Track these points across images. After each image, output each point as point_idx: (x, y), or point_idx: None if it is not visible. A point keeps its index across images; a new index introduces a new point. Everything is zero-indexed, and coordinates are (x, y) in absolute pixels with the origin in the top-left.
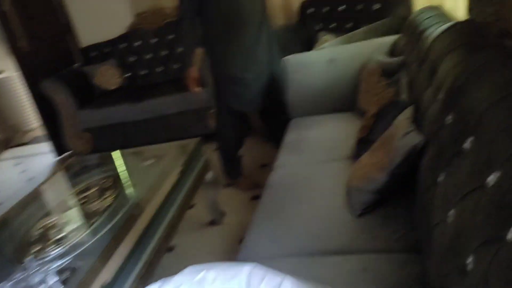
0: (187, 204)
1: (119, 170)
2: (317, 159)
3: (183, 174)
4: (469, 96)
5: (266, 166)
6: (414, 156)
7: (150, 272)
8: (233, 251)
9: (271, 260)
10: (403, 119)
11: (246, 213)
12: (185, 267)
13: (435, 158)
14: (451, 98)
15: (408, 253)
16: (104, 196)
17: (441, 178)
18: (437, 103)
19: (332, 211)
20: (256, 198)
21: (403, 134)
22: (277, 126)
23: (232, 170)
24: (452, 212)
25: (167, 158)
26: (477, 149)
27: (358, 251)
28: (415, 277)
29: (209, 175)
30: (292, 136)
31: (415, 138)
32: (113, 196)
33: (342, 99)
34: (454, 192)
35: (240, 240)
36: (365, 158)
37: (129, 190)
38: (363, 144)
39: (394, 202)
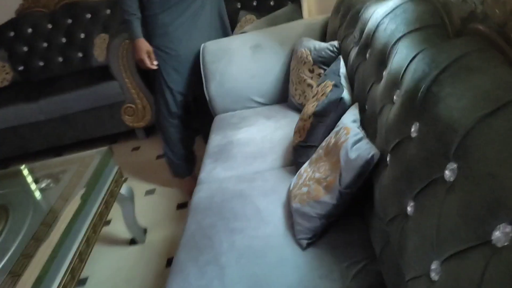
0: (97, 228)
1: (4, 197)
2: (249, 170)
3: (90, 195)
4: (443, 104)
5: None
6: (367, 173)
7: None
8: (158, 275)
9: None
10: (349, 122)
11: (172, 225)
12: None
13: (401, 182)
14: (416, 103)
15: None
16: None
17: (409, 209)
18: (393, 106)
19: (271, 243)
20: (183, 206)
21: (351, 143)
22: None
23: (180, 169)
24: (436, 266)
25: (68, 176)
26: (466, 185)
27: None
28: None
29: (123, 188)
30: (216, 139)
31: (367, 151)
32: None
33: (272, 91)
34: (438, 239)
35: (168, 261)
36: (306, 170)
37: (17, 226)
38: (301, 150)
39: (348, 225)
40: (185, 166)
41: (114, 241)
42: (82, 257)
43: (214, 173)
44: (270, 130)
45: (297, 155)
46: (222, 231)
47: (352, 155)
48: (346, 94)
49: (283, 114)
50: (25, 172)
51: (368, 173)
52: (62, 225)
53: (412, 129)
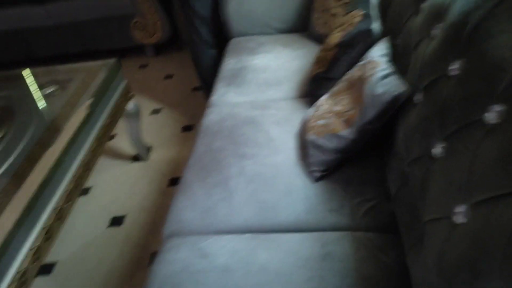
0: (102, 141)
1: (10, 99)
2: (263, 97)
3: (97, 106)
4: (495, 41)
5: (199, 90)
6: (393, 110)
7: (61, 221)
8: (161, 193)
9: (204, 237)
10: (377, 56)
11: (176, 147)
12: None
13: (431, 122)
14: (462, 38)
15: (379, 232)
16: None
17: (438, 151)
18: (432, 41)
19: (282, 171)
20: (188, 129)
21: (378, 77)
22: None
23: None
24: (462, 210)
25: (75, 84)
26: (511, 130)
27: (316, 228)
28: (387, 267)
29: (130, 105)
30: (230, 63)
31: (396, 87)
32: (4, 131)
33: (292, 18)
34: (468, 183)
35: (171, 181)
36: (325, 102)
37: (23, 129)
38: (320, 82)
39: (363, 162)
40: None
41: (118, 156)
42: (87, 166)
43: (226, 97)
44: (287, 58)
45: (314, 86)
46: (232, 156)
47: (379, 90)
48: (376, 26)
49: (301, 44)
50: (30, 76)
51: (395, 112)
52: (69, 132)
53: (453, 67)
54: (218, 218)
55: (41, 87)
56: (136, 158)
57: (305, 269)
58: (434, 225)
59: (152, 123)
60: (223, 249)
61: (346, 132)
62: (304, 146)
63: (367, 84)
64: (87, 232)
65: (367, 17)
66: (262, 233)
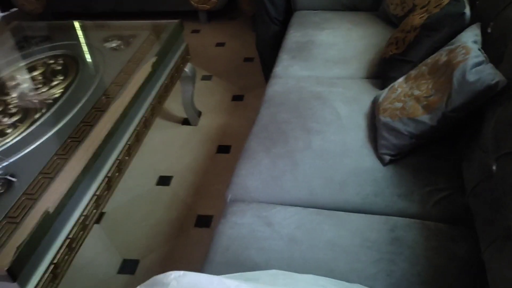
0: (162, 100)
1: (75, 48)
2: (329, 73)
3: (159, 65)
4: None
5: (251, 61)
6: (483, 100)
7: (121, 173)
8: (208, 158)
9: (269, 206)
10: (470, 42)
11: (225, 115)
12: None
13: None
14: None
15: (451, 224)
16: (53, 83)
17: None
18: None
19: (350, 151)
20: (238, 98)
21: (471, 64)
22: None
23: None
24: None
25: (138, 41)
26: None
27: (384, 212)
28: (459, 259)
29: (187, 68)
30: (295, 35)
31: (491, 76)
32: (65, 84)
33: None
34: None
35: (219, 148)
36: (402, 85)
37: (88, 79)
38: (395, 64)
39: (436, 151)
40: None
41: (169, 118)
42: (146, 123)
43: (291, 70)
44: (355, 36)
45: (387, 68)
46: (299, 129)
47: (471, 77)
48: (468, 10)
49: (371, 23)
50: (94, 28)
51: (485, 102)
52: (133, 87)
53: None
54: (283, 189)
55: (105, 40)
56: (186, 122)
57: (373, 250)
58: None
59: (202, 88)
60: (289, 220)
61: (426, 118)
62: (375, 128)
63: (457, 70)
64: (135, 187)
65: (456, 0)
66: (328, 210)
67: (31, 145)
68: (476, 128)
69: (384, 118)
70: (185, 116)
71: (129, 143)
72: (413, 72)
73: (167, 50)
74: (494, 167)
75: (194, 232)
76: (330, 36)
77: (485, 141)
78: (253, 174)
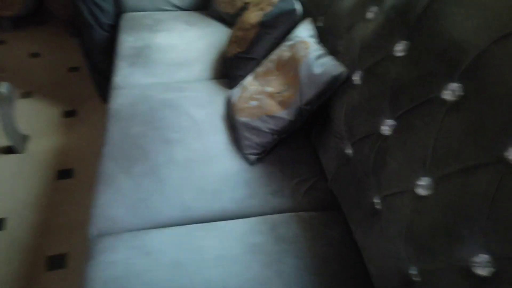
0: None
1: None
2: (175, 78)
3: None
4: (448, 22)
5: (76, 70)
6: (332, 90)
7: None
8: (48, 188)
9: (142, 233)
10: (306, 36)
11: (59, 135)
12: None
13: (379, 101)
14: (409, 20)
15: (322, 211)
16: None
17: (389, 128)
18: (369, 23)
19: (215, 156)
20: (71, 114)
21: (313, 57)
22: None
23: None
24: (427, 183)
25: None
26: (476, 105)
27: (262, 212)
28: (337, 243)
29: (2, 87)
30: (128, 40)
31: (335, 67)
32: None
33: None
34: (433, 157)
35: (59, 173)
36: (253, 83)
37: None
38: (239, 62)
39: (294, 143)
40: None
41: None
42: None
43: (133, 79)
44: (193, 37)
45: (233, 66)
46: (157, 142)
47: (317, 70)
48: (299, 6)
49: (206, 22)
50: None
51: (332, 91)
52: None
53: (398, 48)
54: (154, 210)
55: None
56: (10, 150)
57: (261, 254)
58: (396, 198)
59: (24, 108)
60: (167, 243)
61: (283, 113)
62: (235, 129)
63: (302, 65)
64: None
65: None
66: (206, 222)
67: None
68: (326, 116)
69: (242, 118)
70: (8, 143)
71: None
72: (260, 69)
73: None
74: (350, 152)
75: (47, 277)
76: (167, 39)
77: (338, 128)
78: (116, 200)
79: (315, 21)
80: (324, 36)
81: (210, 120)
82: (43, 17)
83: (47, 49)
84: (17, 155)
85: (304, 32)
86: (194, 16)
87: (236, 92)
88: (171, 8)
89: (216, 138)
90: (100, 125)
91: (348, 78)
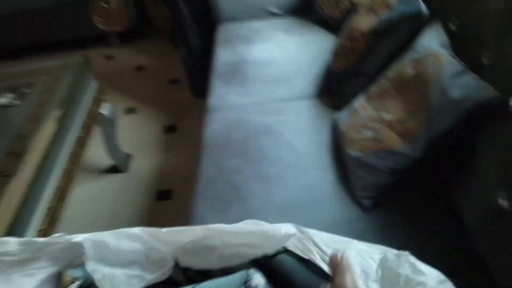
0: (77, 160)
1: None
2: (272, 97)
3: (66, 118)
4: None
5: (177, 83)
6: (475, 120)
7: None
8: (148, 210)
9: None
10: (436, 47)
11: (159, 153)
12: None
13: None
14: None
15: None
16: None
17: None
18: None
19: (321, 199)
20: (171, 130)
21: (448, 76)
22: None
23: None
24: None
25: (36, 91)
26: None
27: None
28: None
29: (104, 109)
30: (224, 55)
31: (481, 90)
32: None
33: None
34: None
35: (158, 194)
36: (365, 106)
37: None
38: (348, 78)
39: (417, 184)
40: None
41: (92, 169)
42: (62, 194)
43: (228, 100)
44: (293, 48)
45: (339, 83)
46: (253, 179)
47: (454, 93)
48: (424, 7)
49: (307, 29)
50: None
51: (477, 122)
52: (36, 155)
53: None
54: None
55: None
56: (115, 169)
57: None
58: None
59: (127, 125)
60: None
61: (406, 148)
62: (345, 164)
63: (433, 86)
64: None
65: None
66: None
67: None
68: (467, 151)
69: (353, 152)
70: (112, 162)
71: (42, 228)
72: (374, 89)
73: (74, 96)
74: (505, 203)
75: None
76: (264, 51)
77: (485, 170)
78: None
79: (445, 24)
80: (459, 45)
81: (314, 152)
82: (148, 31)
83: (151, 62)
84: (121, 174)
85: (433, 41)
86: (294, 22)
87: (344, 117)
88: (269, 16)
89: (322, 175)
90: (199, 141)
91: (501, 105)
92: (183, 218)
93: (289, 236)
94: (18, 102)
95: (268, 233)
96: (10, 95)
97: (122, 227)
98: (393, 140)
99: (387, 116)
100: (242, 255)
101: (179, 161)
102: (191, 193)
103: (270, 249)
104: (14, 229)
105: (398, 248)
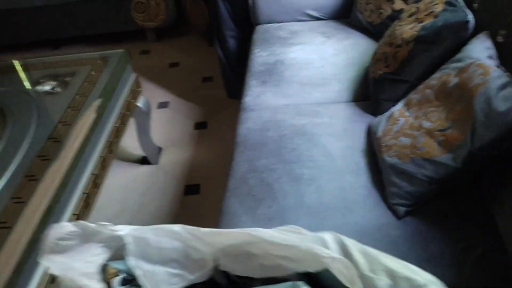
0: (113, 148)
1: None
2: (309, 99)
3: (105, 107)
4: None
5: (210, 80)
6: None
7: None
8: (176, 203)
9: None
10: (484, 57)
11: (189, 148)
12: None
13: None
14: None
15: None
16: None
17: None
18: None
19: (354, 203)
20: (202, 126)
21: (495, 88)
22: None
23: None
24: None
25: (78, 80)
26: None
27: None
28: None
29: (140, 101)
30: (261, 55)
31: None
32: None
33: (331, 3)
34: None
35: (186, 188)
36: (404, 113)
37: (17, 136)
38: (387, 84)
39: (459, 192)
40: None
41: (124, 157)
42: (97, 181)
43: (263, 99)
44: (331, 51)
45: (378, 89)
46: (285, 178)
47: (500, 105)
48: (471, 16)
49: (345, 34)
50: (22, 68)
51: None
52: (76, 142)
53: None
54: None
55: (36, 83)
56: (145, 161)
57: None
58: None
59: (159, 119)
60: None
61: (446, 158)
62: (379, 169)
63: (478, 96)
64: None
65: (452, 5)
66: None
67: None
68: (507, 164)
69: (389, 158)
70: (142, 154)
71: (77, 213)
72: (414, 96)
73: (114, 87)
74: None
75: None
76: (301, 53)
77: None
78: None
79: (493, 35)
80: (507, 57)
81: (348, 156)
82: (184, 28)
83: (186, 59)
84: (151, 166)
85: (480, 52)
86: (333, 26)
87: (381, 123)
88: (307, 19)
89: (355, 179)
90: (229, 139)
91: None
92: (211, 213)
93: (335, 260)
94: (60, 89)
95: (313, 251)
96: (53, 83)
97: (150, 218)
98: (433, 149)
99: (427, 124)
100: (284, 268)
101: (208, 157)
102: (219, 189)
103: (313, 268)
104: (52, 211)
105: (431, 258)
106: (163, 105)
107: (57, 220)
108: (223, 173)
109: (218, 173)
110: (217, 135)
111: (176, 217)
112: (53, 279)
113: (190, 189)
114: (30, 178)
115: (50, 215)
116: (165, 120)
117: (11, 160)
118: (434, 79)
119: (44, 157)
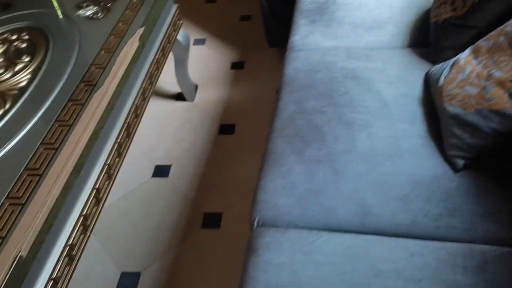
0: (153, 79)
1: (42, 19)
2: (361, 43)
3: (148, 36)
4: None
5: (248, 19)
6: None
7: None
8: (210, 141)
9: (312, 234)
10: None
11: (225, 87)
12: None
13: None
14: None
15: None
16: (18, 67)
17: None
18: None
19: (407, 151)
20: (239, 66)
21: None
22: None
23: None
24: None
25: (119, 7)
26: None
27: (464, 238)
28: None
29: (180, 34)
30: None
31: None
32: (33, 67)
33: None
34: None
35: (221, 127)
36: (471, 62)
37: (61, 60)
38: (452, 30)
39: None
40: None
41: (161, 93)
42: (137, 112)
43: (312, 39)
44: None
45: (440, 35)
46: (336, 122)
47: None
48: None
49: None
50: None
51: None
52: (120, 70)
53: None
54: (326, 209)
55: (78, 7)
56: (181, 97)
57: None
58: None
59: (196, 55)
60: (340, 254)
61: None
62: (436, 119)
63: None
64: (129, 180)
65: None
66: (389, 237)
67: None
68: None
69: (452, 108)
70: (179, 90)
71: (118, 141)
72: (484, 43)
73: (156, 17)
74: None
75: (201, 234)
76: None
77: None
78: (285, 188)
79: None
80: None
81: (403, 103)
82: None
83: None
84: (187, 103)
85: None
86: None
87: (443, 71)
88: None
89: (410, 127)
90: (265, 81)
91: None
92: (247, 152)
93: None
94: (101, 15)
95: None
96: (94, 7)
97: (183, 154)
98: (503, 100)
99: (498, 74)
100: None
101: (244, 98)
102: (255, 130)
103: None
104: (98, 135)
105: (487, 213)
106: (199, 42)
107: (102, 145)
108: (259, 115)
109: (254, 114)
110: (253, 76)
111: (210, 156)
112: (97, 200)
113: (225, 128)
114: (74, 102)
115: (96, 140)
116: (201, 57)
117: (55, 83)
118: (510, 26)
119: (88, 83)
